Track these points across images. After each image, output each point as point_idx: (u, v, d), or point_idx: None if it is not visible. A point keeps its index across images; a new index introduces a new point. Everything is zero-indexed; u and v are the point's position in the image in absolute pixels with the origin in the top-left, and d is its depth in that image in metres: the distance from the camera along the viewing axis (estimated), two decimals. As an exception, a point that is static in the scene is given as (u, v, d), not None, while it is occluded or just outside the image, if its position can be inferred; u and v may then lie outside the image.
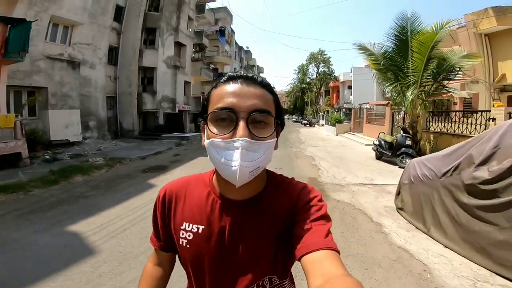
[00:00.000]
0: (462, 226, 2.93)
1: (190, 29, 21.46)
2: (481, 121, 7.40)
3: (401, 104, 9.45)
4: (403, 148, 7.87)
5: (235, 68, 37.09)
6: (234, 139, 0.60)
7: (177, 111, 18.69)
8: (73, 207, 4.72)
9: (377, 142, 9.15)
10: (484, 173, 2.60)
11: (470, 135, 7.36)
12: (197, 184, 0.79)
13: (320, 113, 35.22)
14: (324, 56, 39.36)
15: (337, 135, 19.43)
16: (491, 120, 7.04)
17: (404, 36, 9.11)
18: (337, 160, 9.33)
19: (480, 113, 7.49)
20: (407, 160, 7.00)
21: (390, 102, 11.25)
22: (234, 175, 0.61)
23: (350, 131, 19.29)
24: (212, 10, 28.59)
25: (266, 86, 0.68)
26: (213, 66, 27.14)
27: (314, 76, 42.14)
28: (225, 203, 0.73)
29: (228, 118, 0.62)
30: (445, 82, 9.08)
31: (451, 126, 8.47)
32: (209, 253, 0.72)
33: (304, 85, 44.95)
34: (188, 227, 0.74)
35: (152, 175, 7.04)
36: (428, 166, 3.61)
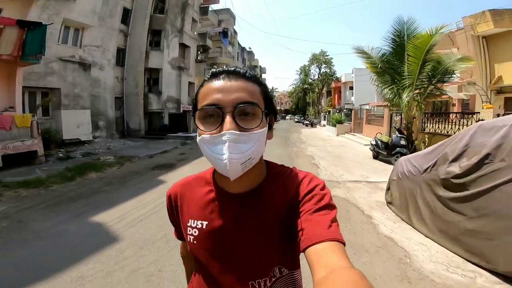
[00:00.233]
0: (438, 217, 3.35)
1: (194, 31, 21.93)
2: (471, 122, 7.80)
3: (397, 106, 9.84)
4: (398, 148, 8.29)
5: (237, 69, 37.44)
6: (222, 133, 0.62)
7: (181, 111, 19.17)
8: (92, 201, 5.19)
9: (374, 142, 9.58)
10: (455, 168, 3.02)
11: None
12: (199, 182, 0.81)
13: (322, 114, 35.61)
14: (326, 57, 39.79)
15: (337, 135, 19.82)
16: (480, 121, 7.44)
17: (400, 40, 9.49)
18: (336, 159, 9.77)
19: (470, 114, 7.90)
20: (401, 159, 7.42)
21: (388, 104, 11.66)
22: (225, 168, 0.62)
23: (350, 132, 19.69)
24: (215, 11, 29.08)
25: (250, 78, 0.69)
26: (216, 67, 27.54)
27: (316, 77, 42.59)
28: (225, 197, 0.75)
29: (215, 114, 0.64)
30: (439, 84, 9.44)
31: (444, 127, 8.88)
32: (215, 248, 0.74)
33: (306, 86, 45.41)
34: (194, 223, 0.76)
35: (161, 172, 7.51)
36: (413, 163, 4.04)
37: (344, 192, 5.80)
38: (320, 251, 0.56)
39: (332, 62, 39.64)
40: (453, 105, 17.53)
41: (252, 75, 0.70)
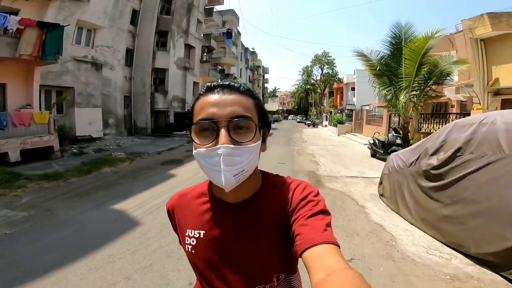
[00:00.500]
0: (420, 206, 3.81)
1: (199, 32, 22.41)
2: (464, 123, 8.22)
3: (395, 107, 10.27)
4: (394, 147, 8.73)
5: (240, 69, 38.06)
6: (217, 146, 0.63)
7: (186, 110, 19.68)
8: (110, 192, 5.69)
9: (371, 141, 10.03)
10: (434, 161, 3.48)
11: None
12: (195, 193, 0.83)
13: (324, 114, 36.03)
14: (328, 58, 40.22)
15: (338, 135, 20.26)
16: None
17: (398, 44, 9.92)
18: (335, 157, 10.23)
19: (463, 115, 8.33)
20: (397, 157, 7.89)
21: (388, 105, 12.08)
22: (220, 180, 0.64)
23: (351, 132, 20.11)
24: (220, 12, 29.55)
25: (244, 91, 0.71)
26: (220, 67, 28.09)
27: (319, 78, 43.04)
28: (222, 207, 0.76)
29: (210, 128, 0.66)
30: (435, 86, 9.86)
31: (439, 127, 9.32)
32: (212, 256, 0.75)
33: (308, 87, 45.91)
34: (191, 233, 0.78)
35: (170, 167, 8.01)
36: (401, 158, 4.49)
37: (341, 186, 6.27)
38: (316, 254, 0.57)
39: (334, 63, 40.20)
40: (452, 106, 17.92)
41: (246, 89, 0.72)
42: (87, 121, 11.29)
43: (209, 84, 0.71)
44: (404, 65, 9.51)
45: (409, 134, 9.89)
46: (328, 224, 0.65)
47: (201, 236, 0.76)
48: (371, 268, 3.11)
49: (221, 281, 0.75)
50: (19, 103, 8.89)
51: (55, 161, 8.28)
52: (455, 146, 3.20)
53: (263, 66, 54.62)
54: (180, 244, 0.87)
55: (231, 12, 31.92)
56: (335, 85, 38.35)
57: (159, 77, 18.33)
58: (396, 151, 8.77)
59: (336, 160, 9.57)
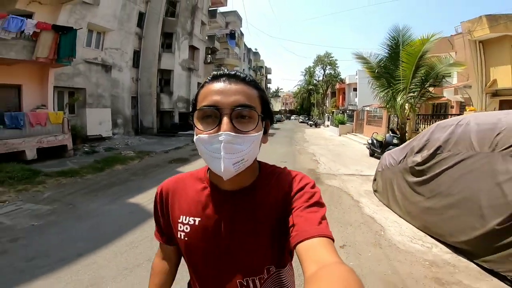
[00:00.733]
0: (407, 199, 4.22)
1: (203, 34, 22.87)
2: (458, 124, 8.60)
3: (393, 108, 10.65)
4: (391, 146, 9.10)
5: (244, 70, 38.52)
6: (219, 133, 0.64)
7: (191, 110, 20.13)
8: (124, 187, 6.14)
9: (370, 141, 10.44)
10: (418, 158, 3.89)
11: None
12: (192, 179, 0.82)
13: (326, 114, 36.37)
14: (330, 59, 40.56)
15: (340, 135, 20.63)
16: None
17: (396, 47, 10.29)
18: (335, 156, 10.64)
19: (457, 116, 8.67)
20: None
21: (387, 105, 12.46)
22: (219, 168, 0.65)
23: (352, 132, 20.48)
24: (223, 14, 30.06)
25: (250, 82, 0.71)
26: (223, 68, 28.44)
27: (321, 78, 43.39)
28: (219, 194, 0.76)
29: (212, 115, 0.66)
30: (431, 88, 10.22)
31: (435, 128, 9.68)
32: (206, 245, 0.75)
33: (311, 87, 46.24)
34: (185, 220, 0.77)
35: (178, 165, 8.46)
36: (393, 156, 4.90)
37: (339, 182, 6.69)
38: (310, 247, 0.58)
39: (336, 64, 40.49)
40: (452, 107, 18.22)
41: (252, 80, 0.72)
42: (97, 121, 11.78)
43: (215, 72, 0.72)
44: (401, 68, 9.89)
45: (406, 134, 10.27)
46: (323, 217, 0.65)
47: (196, 223, 0.76)
48: (360, 253, 3.53)
49: (212, 270, 0.76)
50: (34, 103, 9.37)
51: (69, 159, 8.76)
52: (436, 145, 3.62)
53: (265, 67, 55.07)
54: (158, 237, 0.89)
55: (234, 13, 32.44)
56: (337, 86, 38.66)
57: (165, 78, 18.81)
58: (392, 150, 9.29)
59: (335, 159, 9.98)
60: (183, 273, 0.93)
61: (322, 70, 42.45)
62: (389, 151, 5.45)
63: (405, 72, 9.76)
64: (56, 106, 10.47)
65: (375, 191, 5.61)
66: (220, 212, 0.75)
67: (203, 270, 0.78)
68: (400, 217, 4.47)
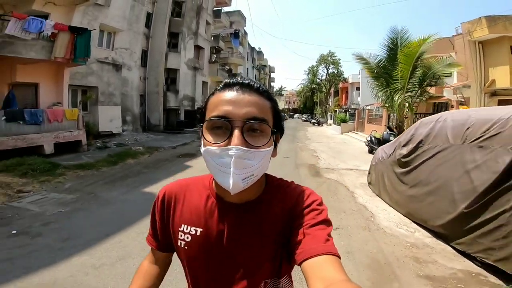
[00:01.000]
0: (395, 189, 4.69)
1: (207, 33, 23.36)
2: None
3: (391, 107, 11.08)
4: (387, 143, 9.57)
5: (247, 69, 38.98)
6: (229, 147, 0.61)
7: (196, 108, 20.71)
8: (138, 179, 6.67)
9: (369, 139, 10.90)
10: (404, 151, 4.37)
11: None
12: (197, 186, 0.80)
13: (329, 113, 36.75)
14: (333, 58, 40.92)
15: (341, 133, 21.07)
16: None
17: (394, 48, 10.70)
18: (335, 153, 11.12)
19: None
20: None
21: (387, 104, 12.88)
22: (228, 183, 0.62)
23: (354, 130, 20.90)
24: (227, 13, 30.53)
25: (263, 92, 0.69)
26: (227, 67, 29.03)
27: (324, 77, 43.77)
28: (224, 206, 0.74)
29: (223, 126, 0.64)
30: (428, 88, 10.63)
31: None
32: (207, 256, 0.73)
33: (314, 86, 46.64)
34: (187, 229, 0.75)
35: (185, 160, 8.99)
36: (384, 150, 5.37)
37: (337, 176, 7.19)
38: (316, 265, 0.57)
39: (339, 63, 40.89)
40: (452, 106, 18.55)
41: (265, 90, 0.70)
42: (108, 118, 12.35)
43: (228, 80, 0.69)
44: (399, 68, 10.30)
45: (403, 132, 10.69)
46: (330, 235, 0.64)
47: (198, 233, 0.74)
48: (351, 235, 4.01)
49: (211, 280, 0.75)
50: (50, 101, 9.93)
51: (83, 154, 9.31)
52: (419, 139, 4.09)
53: (269, 65, 55.47)
54: (150, 242, 0.86)
55: (238, 13, 32.88)
56: (340, 85, 38.99)
57: (171, 77, 19.34)
58: (389, 147, 9.74)
59: (335, 156, 10.46)
60: (178, 276, 1.07)
61: (325, 69, 42.88)
62: (382, 146, 5.91)
63: (403, 72, 10.18)
64: (70, 104, 11.02)
65: (369, 183, 6.08)
66: (224, 224, 0.73)
67: (202, 280, 0.76)
68: (390, 205, 4.94)
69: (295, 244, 0.65)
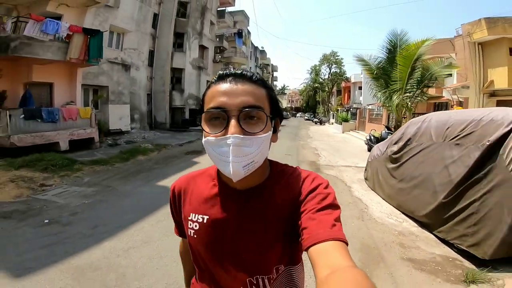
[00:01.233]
0: (387, 183, 5.14)
1: (211, 33, 23.79)
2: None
3: (390, 107, 11.49)
4: (385, 142, 10.02)
5: (250, 68, 39.40)
6: (226, 136, 0.64)
7: (198, 111, 21.17)
8: (151, 174, 7.16)
9: (368, 137, 11.33)
10: (394, 148, 4.82)
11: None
12: (203, 177, 0.85)
13: (331, 112, 37.12)
14: (336, 58, 41.26)
15: (343, 132, 21.46)
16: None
17: (393, 50, 11.10)
18: (336, 151, 11.57)
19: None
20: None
21: (387, 105, 13.28)
22: (228, 171, 0.65)
23: (355, 129, 21.29)
24: (231, 13, 31.00)
25: (257, 81, 0.70)
26: (231, 66, 29.43)
27: (326, 77, 44.14)
28: (228, 192, 0.77)
29: (220, 117, 0.66)
30: (429, 88, 11.01)
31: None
32: (215, 242, 0.75)
33: (316, 85, 47.03)
34: (195, 217, 0.78)
35: (193, 156, 9.49)
36: (379, 148, 5.82)
37: (336, 172, 7.66)
38: (323, 250, 0.57)
39: (342, 63, 41.22)
40: (452, 106, 18.91)
41: (259, 78, 0.71)
42: (118, 117, 12.88)
43: (221, 72, 0.71)
44: (398, 70, 10.69)
45: (401, 131, 11.09)
46: (337, 219, 0.64)
47: (205, 221, 0.76)
48: (345, 224, 4.35)
49: (219, 268, 0.76)
50: (64, 100, 10.44)
51: (96, 151, 9.83)
52: (407, 137, 4.55)
53: (272, 64, 55.83)
54: (176, 233, 0.94)
55: (242, 13, 33.36)
56: (343, 84, 39.36)
57: (176, 76, 19.83)
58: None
59: (336, 153, 10.92)
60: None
61: (328, 68, 43.24)
62: (378, 144, 6.36)
63: (401, 74, 10.58)
64: (82, 103, 11.53)
65: (365, 179, 6.53)
66: (229, 210, 0.75)
67: (212, 267, 0.78)
68: (383, 198, 5.39)
69: (301, 230, 0.64)
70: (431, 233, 3.95)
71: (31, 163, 7.22)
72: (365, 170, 6.69)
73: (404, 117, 11.42)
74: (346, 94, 38.49)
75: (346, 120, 22.66)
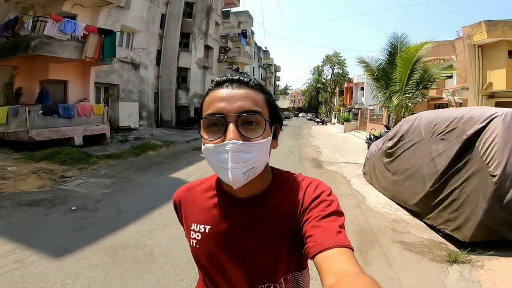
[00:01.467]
0: (382, 177, 5.59)
1: (216, 34, 24.24)
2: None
3: (390, 107, 11.90)
4: (384, 141, 10.45)
5: (253, 67, 39.86)
6: (225, 142, 0.63)
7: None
8: (162, 167, 7.63)
9: (368, 136, 11.76)
10: (389, 143, 5.28)
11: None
12: (203, 186, 0.83)
13: (333, 112, 37.52)
14: (339, 59, 41.66)
15: (344, 132, 21.90)
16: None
17: (394, 52, 11.48)
18: (337, 149, 12.04)
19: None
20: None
21: (388, 106, 13.69)
22: (228, 178, 0.64)
23: (356, 129, 21.71)
24: (235, 14, 31.46)
25: (254, 86, 0.70)
26: (235, 66, 29.97)
27: (329, 77, 44.54)
28: (230, 202, 0.76)
29: (218, 123, 0.65)
30: (425, 90, 11.42)
31: (426, 126, 10.93)
32: (217, 252, 0.74)
33: (319, 85, 47.44)
34: (197, 227, 0.77)
35: (200, 152, 9.57)
36: (377, 145, 6.27)
37: (336, 168, 8.12)
38: (329, 258, 0.56)
39: (345, 63, 41.62)
40: (452, 107, 19.25)
41: (256, 84, 0.71)
42: (127, 114, 13.37)
43: (219, 78, 0.71)
44: (398, 71, 11.09)
45: (400, 131, 11.50)
46: (342, 226, 0.64)
47: (207, 231, 0.76)
48: (344, 212, 4.89)
49: (224, 278, 0.76)
50: (77, 97, 10.93)
51: (108, 146, 10.31)
52: (401, 134, 5.02)
53: (275, 64, 56.22)
54: (186, 237, 0.88)
55: (246, 13, 33.85)
56: (345, 85, 39.71)
57: (182, 75, 20.25)
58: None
59: (336, 151, 11.38)
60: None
61: (331, 69, 43.64)
62: (375, 141, 6.81)
63: (401, 76, 10.96)
64: (94, 100, 12.03)
65: (364, 173, 6.98)
66: (231, 219, 0.75)
67: (215, 277, 0.77)
68: (379, 191, 5.84)
69: (306, 238, 0.64)
70: (421, 220, 4.38)
71: (50, 156, 7.68)
72: (364, 165, 7.14)
73: (403, 117, 11.81)
74: (348, 95, 38.84)
75: (347, 120, 23.10)
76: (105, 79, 12.49)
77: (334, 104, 43.54)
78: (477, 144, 3.30)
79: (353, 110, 28.63)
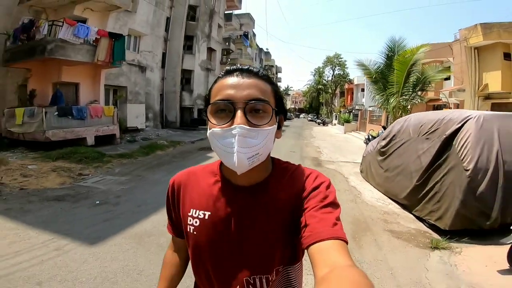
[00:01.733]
0: (377, 174, 6.08)
1: (219, 36, 24.77)
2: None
3: (387, 109, 12.38)
4: (382, 141, 10.93)
5: (256, 68, 40.23)
6: (232, 126, 0.64)
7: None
8: (171, 166, 8.12)
9: (366, 137, 12.25)
10: (383, 143, 5.77)
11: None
12: (205, 172, 0.84)
13: (334, 113, 37.95)
14: (340, 60, 42.13)
15: (344, 133, 22.36)
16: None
17: (392, 55, 11.96)
18: (337, 149, 12.51)
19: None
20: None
21: (387, 107, 14.16)
22: (233, 162, 0.65)
23: (356, 130, 22.18)
24: (237, 16, 32.03)
25: (263, 76, 0.72)
26: (238, 65, 30.43)
27: (330, 78, 44.98)
28: (231, 189, 0.76)
29: (226, 109, 0.67)
30: (420, 92, 11.89)
31: (421, 127, 11.40)
32: (215, 239, 0.75)
33: (320, 87, 47.86)
34: (195, 213, 0.77)
35: (206, 152, 10.46)
36: (372, 144, 6.75)
37: (335, 166, 8.61)
38: (323, 249, 0.57)
39: (345, 65, 42.10)
40: (450, 108, 19.68)
41: (265, 75, 0.73)
42: (135, 115, 13.89)
43: (229, 67, 0.72)
44: (395, 74, 11.55)
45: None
46: (338, 218, 0.65)
47: (206, 217, 0.76)
48: (341, 205, 5.40)
49: (218, 267, 0.76)
50: (88, 99, 11.40)
51: (118, 146, 10.80)
52: (393, 134, 5.52)
53: (276, 66, 56.73)
54: (170, 230, 0.91)
55: (247, 15, 34.44)
56: (346, 86, 40.12)
57: (186, 77, 20.77)
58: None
59: (336, 151, 11.87)
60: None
61: (332, 70, 44.11)
62: (372, 141, 7.30)
63: (398, 78, 11.43)
64: (103, 102, 12.54)
65: (361, 171, 7.47)
66: (231, 207, 0.75)
67: (210, 265, 0.77)
68: (374, 187, 6.33)
69: (302, 227, 0.65)
70: (410, 212, 4.86)
71: (66, 155, 8.14)
72: (361, 164, 7.62)
73: (401, 118, 12.30)
74: (349, 96, 39.24)
75: (348, 121, 23.56)
76: (114, 81, 13.00)
77: (335, 105, 43.96)
78: (454, 143, 3.79)
79: (353, 111, 29.05)
